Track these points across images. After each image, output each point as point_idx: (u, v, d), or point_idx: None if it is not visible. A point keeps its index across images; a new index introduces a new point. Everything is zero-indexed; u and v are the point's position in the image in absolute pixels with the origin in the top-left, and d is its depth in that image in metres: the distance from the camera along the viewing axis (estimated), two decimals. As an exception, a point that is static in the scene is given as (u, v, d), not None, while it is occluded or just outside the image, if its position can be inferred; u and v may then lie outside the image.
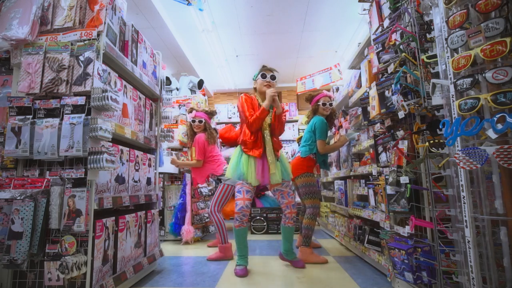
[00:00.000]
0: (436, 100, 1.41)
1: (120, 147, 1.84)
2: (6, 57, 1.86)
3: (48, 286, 1.47)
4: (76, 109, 1.57)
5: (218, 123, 6.21)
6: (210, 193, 3.74)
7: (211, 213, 2.92)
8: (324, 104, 2.75)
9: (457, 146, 1.19)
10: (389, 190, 1.75)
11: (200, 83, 4.73)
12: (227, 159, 3.99)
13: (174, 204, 3.58)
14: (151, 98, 2.40)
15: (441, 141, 1.43)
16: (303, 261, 2.32)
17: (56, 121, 1.55)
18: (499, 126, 1.05)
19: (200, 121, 3.01)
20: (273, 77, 2.26)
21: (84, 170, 1.54)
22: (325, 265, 2.39)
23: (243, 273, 2.13)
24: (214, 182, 4.01)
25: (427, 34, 1.51)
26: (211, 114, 3.16)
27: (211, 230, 3.64)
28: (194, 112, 3.07)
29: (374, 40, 2.05)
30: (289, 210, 2.27)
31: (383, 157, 1.95)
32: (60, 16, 1.71)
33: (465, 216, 1.16)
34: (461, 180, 1.18)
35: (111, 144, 1.69)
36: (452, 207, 1.30)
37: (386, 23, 1.99)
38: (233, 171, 2.23)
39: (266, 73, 2.26)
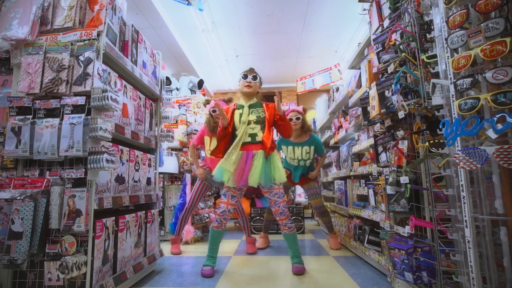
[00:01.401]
0: (436, 100, 1.41)
1: (120, 147, 1.84)
2: (6, 57, 1.86)
3: (48, 286, 1.47)
4: (76, 109, 1.57)
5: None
6: (210, 193, 3.74)
7: (185, 212, 2.93)
8: (290, 119, 2.84)
9: (457, 146, 1.19)
10: (389, 190, 1.75)
11: (200, 83, 4.73)
12: None
13: (174, 204, 3.58)
14: (151, 98, 2.40)
15: (441, 141, 1.43)
16: (303, 269, 2.17)
17: (56, 121, 1.55)
18: (499, 126, 1.05)
19: None
20: (254, 78, 2.27)
21: (84, 170, 1.53)
22: (325, 265, 2.40)
23: (209, 273, 2.12)
24: None
25: (427, 34, 1.51)
26: (229, 101, 3.02)
27: (211, 230, 3.64)
28: (212, 102, 2.93)
29: (374, 40, 2.05)
30: (278, 218, 2.21)
31: (383, 157, 1.95)
32: (60, 16, 1.70)
33: (465, 216, 1.16)
34: (461, 180, 1.18)
35: (111, 144, 1.69)
36: (452, 207, 1.30)
37: (386, 23, 1.99)
38: (215, 171, 2.20)
39: (248, 74, 2.27)
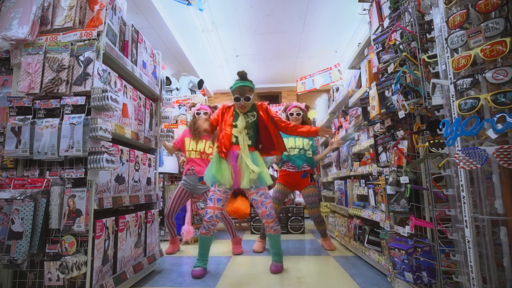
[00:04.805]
0: (436, 100, 1.41)
1: (120, 147, 1.84)
2: (6, 57, 1.86)
3: (48, 286, 1.47)
4: (76, 109, 1.57)
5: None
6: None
7: (166, 218, 2.92)
8: (291, 114, 3.01)
9: (457, 146, 1.19)
10: (389, 190, 1.75)
11: (200, 83, 4.74)
12: None
13: (174, 204, 3.57)
14: (151, 98, 2.40)
15: (441, 141, 1.43)
16: (281, 268, 2.22)
17: (56, 121, 1.55)
18: (499, 126, 1.05)
19: (206, 113, 2.99)
20: (247, 99, 2.17)
21: (84, 170, 1.54)
22: (325, 265, 2.40)
23: (199, 273, 2.10)
24: None
25: (427, 34, 1.51)
26: (214, 108, 3.10)
27: (211, 230, 3.63)
28: (198, 104, 3.05)
29: (374, 40, 2.05)
30: (265, 220, 2.20)
31: (383, 157, 1.95)
32: (60, 16, 1.70)
33: (465, 216, 1.16)
34: (461, 180, 1.18)
35: (111, 144, 1.69)
36: (452, 207, 1.30)
37: (386, 23, 1.99)
38: (206, 175, 2.20)
39: (240, 96, 2.17)
